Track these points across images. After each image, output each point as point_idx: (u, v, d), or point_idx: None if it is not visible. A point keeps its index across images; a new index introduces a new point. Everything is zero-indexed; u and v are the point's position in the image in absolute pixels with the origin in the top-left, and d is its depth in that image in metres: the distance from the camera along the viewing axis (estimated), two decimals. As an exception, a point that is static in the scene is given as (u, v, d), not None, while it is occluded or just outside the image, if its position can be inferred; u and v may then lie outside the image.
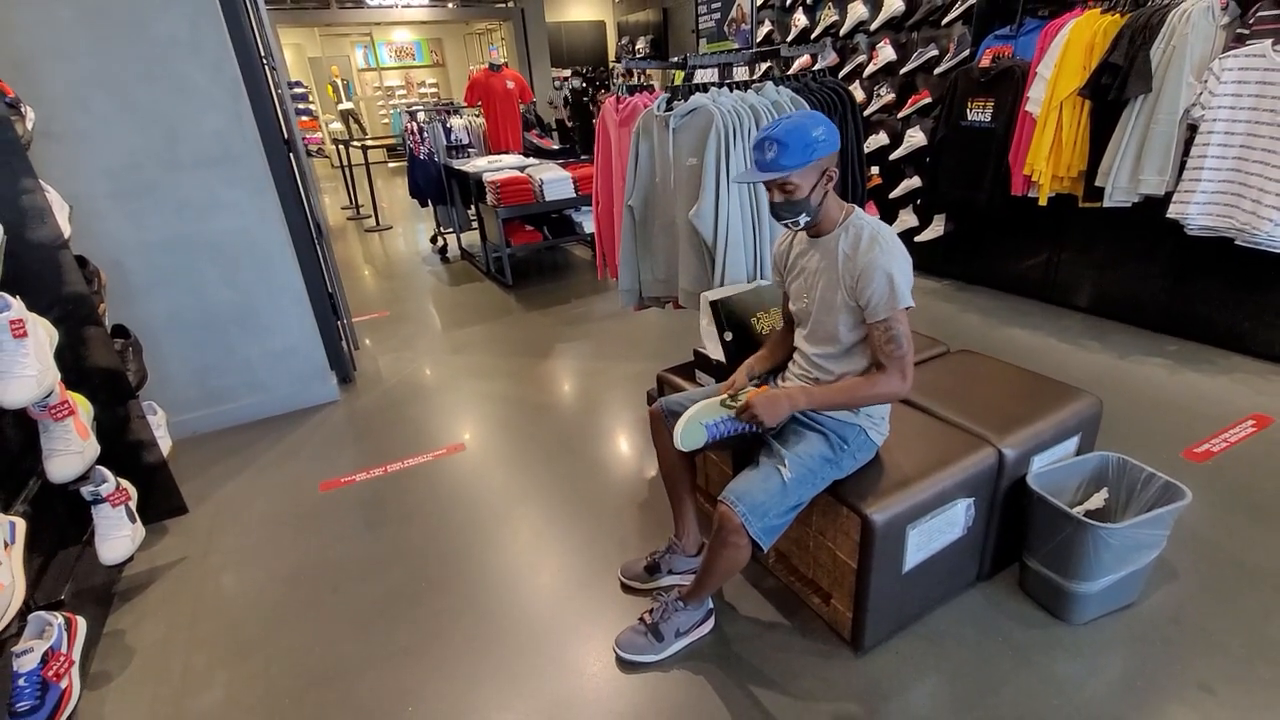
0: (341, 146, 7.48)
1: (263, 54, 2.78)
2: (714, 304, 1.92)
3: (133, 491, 1.87)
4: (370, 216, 7.19)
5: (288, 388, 3.04)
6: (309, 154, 6.88)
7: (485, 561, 2.04)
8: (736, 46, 4.28)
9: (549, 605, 1.85)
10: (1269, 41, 2.39)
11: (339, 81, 12.42)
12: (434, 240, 5.97)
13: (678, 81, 4.47)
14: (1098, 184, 2.91)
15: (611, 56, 13.25)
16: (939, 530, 1.56)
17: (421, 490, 2.42)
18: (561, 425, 2.82)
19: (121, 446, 1.98)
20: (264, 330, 2.91)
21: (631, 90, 2.32)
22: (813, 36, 4.48)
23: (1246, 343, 2.94)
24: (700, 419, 1.53)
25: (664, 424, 1.73)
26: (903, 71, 4.03)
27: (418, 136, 5.33)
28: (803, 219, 1.43)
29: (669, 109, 2.01)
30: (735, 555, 1.44)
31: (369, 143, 7.31)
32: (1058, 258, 3.55)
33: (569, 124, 6.50)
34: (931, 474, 1.55)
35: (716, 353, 1.91)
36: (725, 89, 2.01)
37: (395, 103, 12.99)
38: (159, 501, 2.11)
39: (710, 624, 1.70)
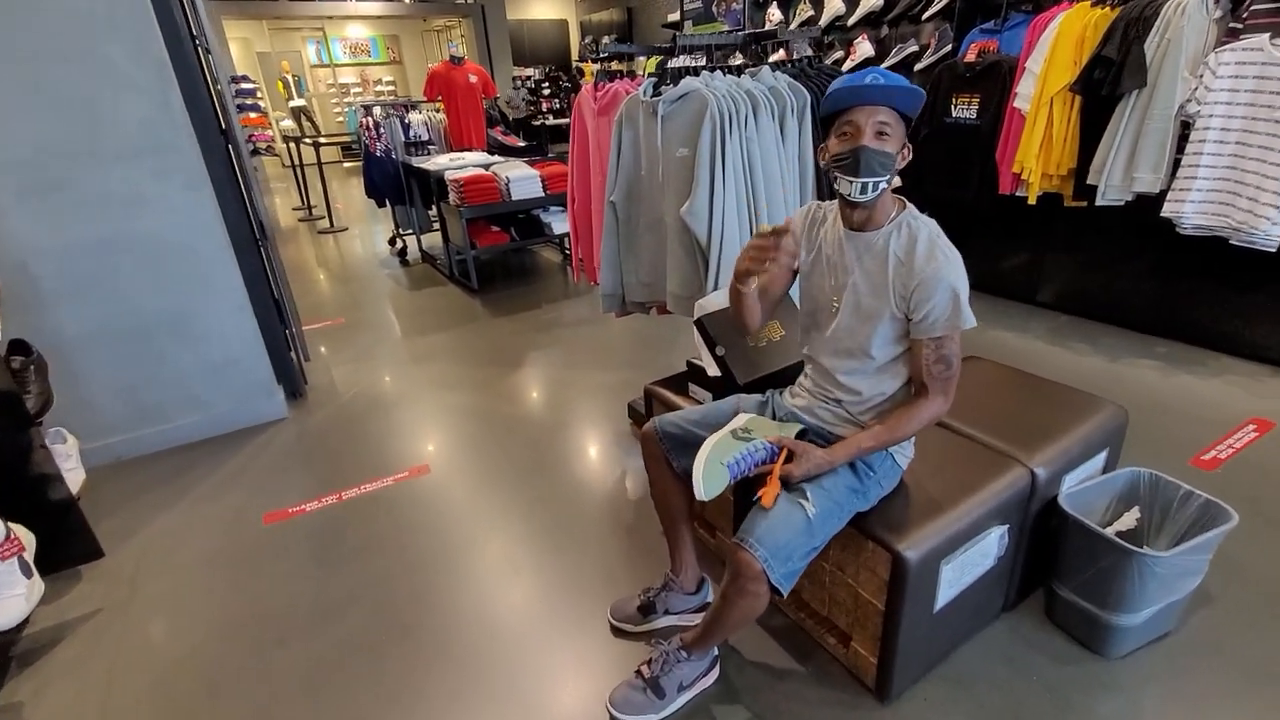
0: (293, 144, 7.08)
1: (194, 34, 2.49)
2: (699, 323, 1.73)
3: (29, 540, 1.57)
4: (324, 217, 6.81)
5: (228, 404, 2.74)
6: (257, 151, 6.50)
7: (456, 602, 1.80)
8: (727, 28, 4.11)
9: (532, 654, 1.63)
10: (1266, 35, 2.32)
11: (290, 77, 11.88)
12: (392, 242, 5.65)
13: (649, 71, 4.26)
14: (1089, 182, 2.83)
15: (574, 56, 13.03)
16: (972, 563, 1.40)
17: (381, 520, 2.17)
18: (535, 442, 2.60)
19: (19, 483, 1.69)
20: (200, 341, 2.61)
21: (610, 76, 2.12)
22: (790, 29, 4.35)
23: (1236, 344, 2.89)
24: (720, 458, 1.31)
25: (658, 447, 1.53)
26: (882, 68, 3.93)
27: (373, 132, 5.03)
28: (882, 184, 1.21)
29: (656, 94, 1.82)
30: (753, 605, 1.25)
31: (322, 140, 6.93)
32: (1044, 258, 3.47)
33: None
34: (963, 500, 1.39)
35: (711, 367, 1.72)
36: (718, 73, 1.83)
37: (350, 100, 12.50)
38: (67, 546, 1.82)
39: (715, 674, 1.50)
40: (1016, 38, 3.06)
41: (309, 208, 7.33)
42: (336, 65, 12.83)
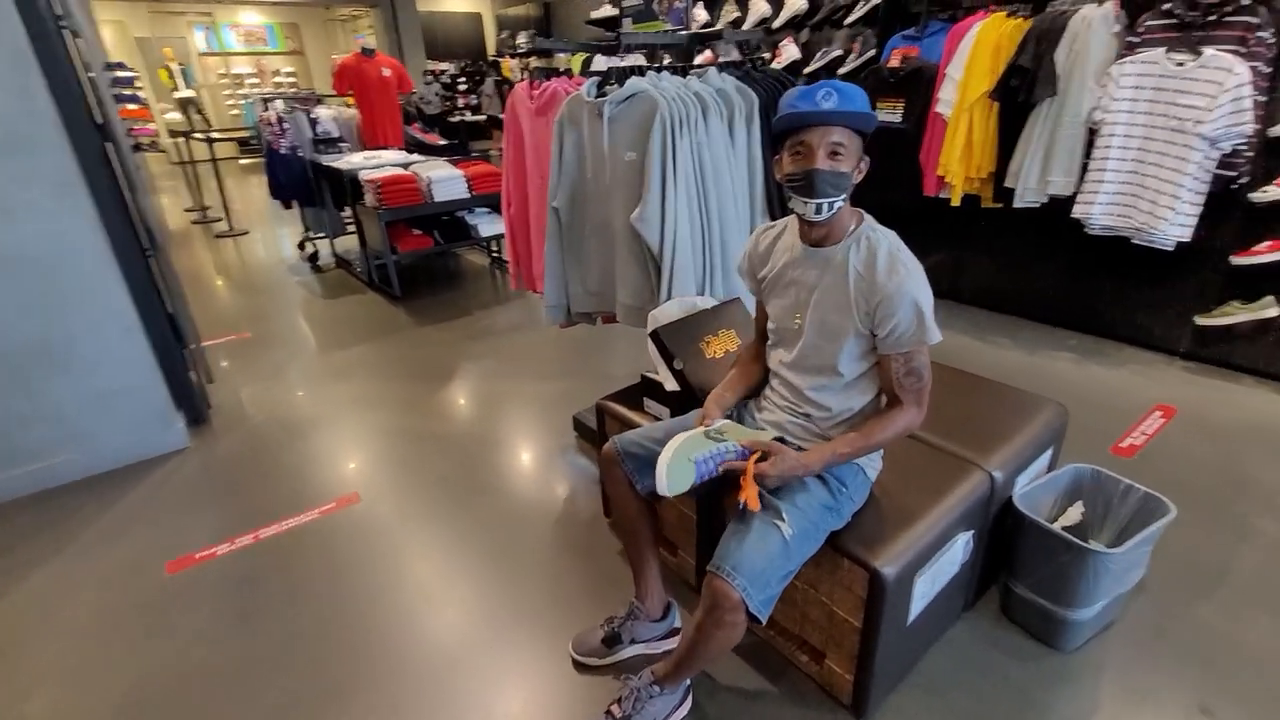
0: (182, 140, 6.47)
1: (58, 15, 2.17)
2: (654, 336, 1.65)
3: None
4: (221, 219, 6.26)
5: (119, 436, 2.42)
6: (139, 147, 5.88)
7: (400, 648, 1.65)
8: (669, 27, 4.03)
9: (489, 699, 1.50)
10: (1162, 49, 2.49)
11: (174, 66, 10.90)
12: (302, 246, 5.26)
13: (576, 69, 4.14)
14: (1008, 185, 2.96)
15: (490, 51, 12.67)
16: (942, 571, 1.40)
17: (308, 559, 1.96)
18: (475, 461, 2.44)
19: None
20: (81, 367, 2.29)
21: (547, 74, 2.01)
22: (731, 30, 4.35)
23: (1136, 335, 3.11)
24: (688, 454, 1.24)
25: (620, 468, 1.45)
26: (807, 71, 3.99)
27: (277, 128, 4.63)
28: (837, 204, 1.18)
29: (601, 95, 1.72)
30: (731, 635, 1.19)
31: (215, 135, 6.37)
32: (965, 257, 3.63)
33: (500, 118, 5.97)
34: (930, 510, 1.38)
35: (669, 382, 1.65)
36: (665, 74, 1.75)
37: (246, 92, 11.63)
38: (-83, 623, 1.52)
39: (688, 704, 1.43)
40: (936, 44, 3.16)
41: (203, 209, 6.72)
42: (229, 54, 11.89)
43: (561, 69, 2.11)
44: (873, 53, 3.56)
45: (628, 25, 2.40)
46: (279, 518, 2.14)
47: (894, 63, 3.25)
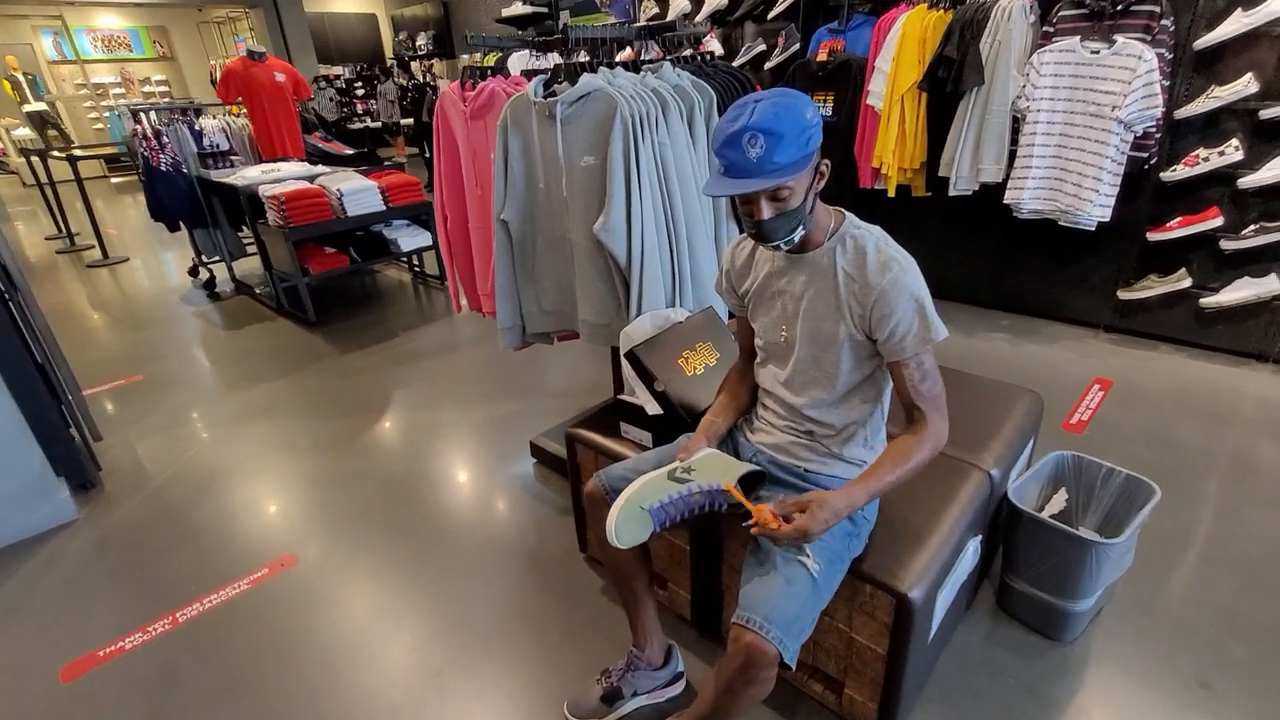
0: (37, 159, 5.71)
1: None
2: (631, 356, 1.51)
3: None
4: (93, 246, 5.57)
5: (-16, 517, 2.04)
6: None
7: (366, 737, 1.43)
8: (613, 19, 3.86)
9: (478, 786, 1.33)
10: (1076, 38, 2.59)
11: (20, 76, 9.70)
12: (194, 273, 4.75)
13: (488, 63, 3.91)
14: (941, 174, 3.01)
15: (389, 53, 12.06)
16: (956, 582, 1.34)
17: (243, 640, 1.69)
18: (425, 503, 2.22)
19: None
20: (-74, 439, 1.90)
21: (482, 73, 1.82)
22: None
23: (1062, 311, 3.26)
24: (641, 501, 1.15)
25: (609, 507, 1.30)
26: (734, 64, 3.94)
27: (154, 143, 4.13)
28: (798, 234, 1.09)
29: (549, 94, 1.56)
30: (764, 690, 1.07)
31: (78, 152, 5.64)
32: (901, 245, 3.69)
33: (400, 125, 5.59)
34: (941, 521, 1.32)
35: (651, 405, 1.52)
36: (620, 70, 1.61)
37: (111, 104, 10.50)
38: None
39: (708, 758, 1.31)
40: (860, 37, 3.18)
41: (70, 235, 5.97)
42: (86, 61, 10.69)
43: (469, 66, 1.92)
44: (797, 46, 3.56)
45: (565, 18, 2.23)
46: (200, 594, 1.85)
47: (822, 56, 3.25)
